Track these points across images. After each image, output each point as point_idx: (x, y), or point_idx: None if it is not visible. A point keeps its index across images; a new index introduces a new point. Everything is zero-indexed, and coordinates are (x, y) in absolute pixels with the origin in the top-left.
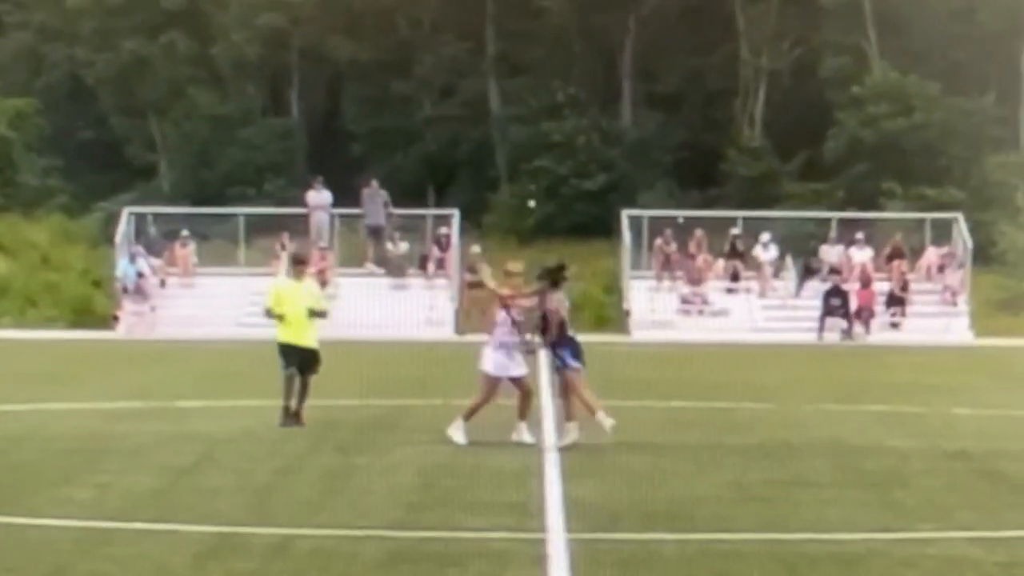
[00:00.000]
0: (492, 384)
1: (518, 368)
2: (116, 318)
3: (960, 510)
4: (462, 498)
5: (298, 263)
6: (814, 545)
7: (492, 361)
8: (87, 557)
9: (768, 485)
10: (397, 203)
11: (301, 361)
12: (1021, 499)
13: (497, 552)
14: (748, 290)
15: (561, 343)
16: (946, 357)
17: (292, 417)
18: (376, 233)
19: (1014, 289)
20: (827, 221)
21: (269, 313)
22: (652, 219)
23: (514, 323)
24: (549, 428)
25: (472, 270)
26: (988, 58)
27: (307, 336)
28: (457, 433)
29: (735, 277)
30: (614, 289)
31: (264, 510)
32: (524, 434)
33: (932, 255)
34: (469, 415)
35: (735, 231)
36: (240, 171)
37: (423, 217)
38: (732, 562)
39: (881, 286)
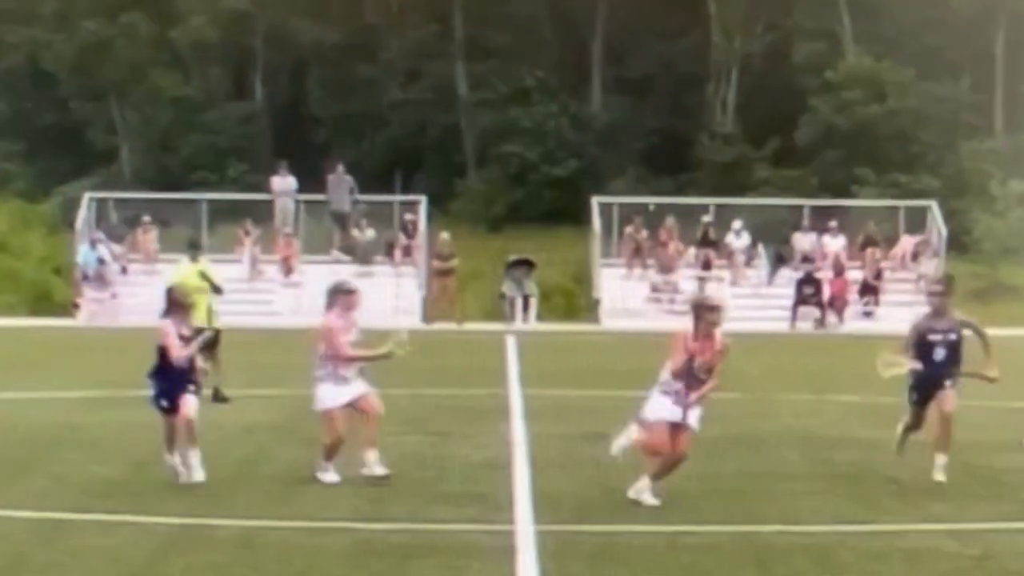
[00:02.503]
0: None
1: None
2: (77, 305)
3: (932, 502)
4: (429, 490)
5: (191, 247)
6: (784, 537)
7: None
8: (44, 548)
9: (738, 476)
10: (363, 189)
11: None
12: (993, 491)
13: (464, 544)
14: (720, 278)
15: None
16: None
17: (218, 399)
18: (342, 220)
19: (989, 277)
20: (800, 208)
21: None
22: (623, 206)
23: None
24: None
25: (440, 257)
26: (962, 44)
27: (205, 317)
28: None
29: (707, 265)
30: (584, 277)
31: (228, 502)
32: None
33: (906, 243)
34: None
35: (707, 218)
36: (202, 156)
37: (390, 203)
38: (701, 554)
39: (854, 274)
